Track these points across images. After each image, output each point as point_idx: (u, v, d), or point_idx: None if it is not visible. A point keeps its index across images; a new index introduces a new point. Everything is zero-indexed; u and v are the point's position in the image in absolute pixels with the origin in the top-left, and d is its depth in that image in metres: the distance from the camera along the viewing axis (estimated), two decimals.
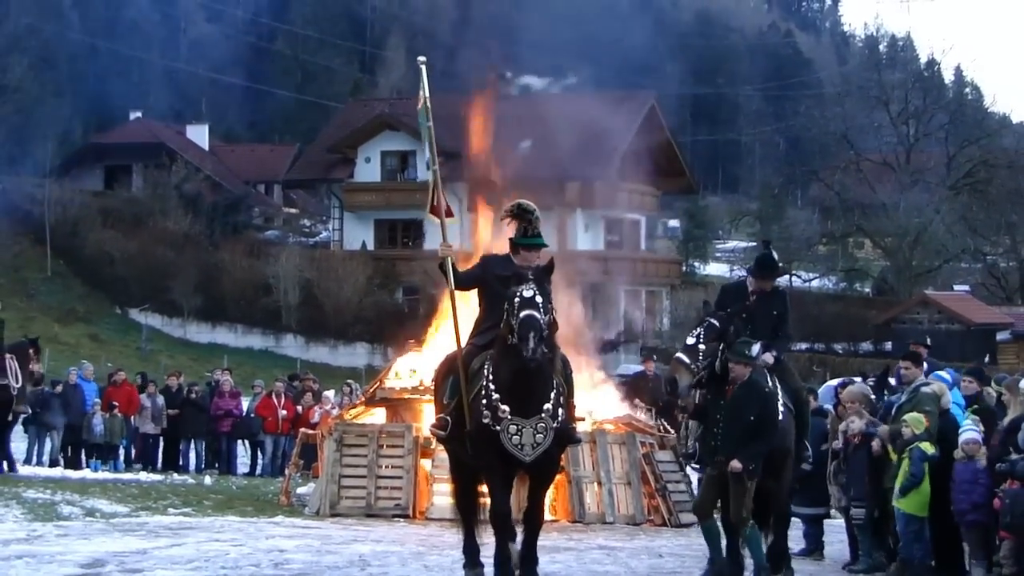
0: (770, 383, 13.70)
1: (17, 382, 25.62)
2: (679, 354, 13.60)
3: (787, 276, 79.47)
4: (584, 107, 63.10)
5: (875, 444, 15.49)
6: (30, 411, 27.46)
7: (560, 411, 12.64)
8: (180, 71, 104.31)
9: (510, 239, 13.32)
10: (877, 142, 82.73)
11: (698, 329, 13.66)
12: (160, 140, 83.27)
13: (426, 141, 13.90)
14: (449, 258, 13.27)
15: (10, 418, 26.35)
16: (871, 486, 15.52)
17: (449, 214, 13.73)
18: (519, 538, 12.88)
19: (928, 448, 14.82)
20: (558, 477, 19.06)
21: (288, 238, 79.29)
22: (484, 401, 12.58)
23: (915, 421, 15.03)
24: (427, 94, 14.02)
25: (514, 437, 12.44)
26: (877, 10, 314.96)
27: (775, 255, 14.71)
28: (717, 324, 13.67)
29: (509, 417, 12.45)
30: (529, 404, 12.47)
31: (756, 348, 13.68)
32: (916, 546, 14.96)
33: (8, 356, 25.71)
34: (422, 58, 14.42)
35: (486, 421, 12.53)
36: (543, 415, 12.48)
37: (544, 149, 56.72)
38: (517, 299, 12.27)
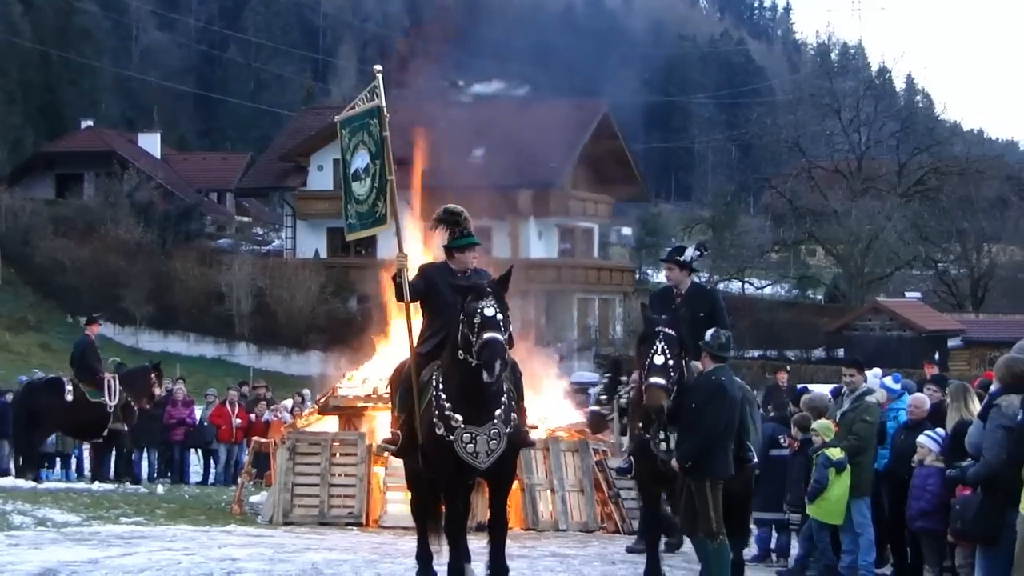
0: (724, 378, 13.22)
1: (113, 400, 26.50)
2: (655, 379, 12.84)
3: (740, 283, 79.96)
4: (537, 115, 63.23)
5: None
6: (127, 429, 27.57)
7: (512, 416, 12.62)
8: (132, 79, 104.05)
9: (444, 245, 13.34)
10: (829, 150, 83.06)
11: (658, 344, 12.98)
12: (112, 148, 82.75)
13: (363, 151, 13.97)
14: (404, 269, 13.26)
15: (105, 434, 26.99)
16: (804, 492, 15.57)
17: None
18: (487, 549, 12.85)
19: (834, 454, 14.89)
20: (513, 484, 19.10)
21: (241, 246, 78.79)
22: (436, 412, 12.53)
23: (824, 428, 15.19)
24: (383, 103, 14.04)
25: (468, 446, 12.41)
26: (829, 18, 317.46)
27: (691, 249, 14.61)
28: (672, 333, 13.10)
29: (463, 426, 12.41)
30: (481, 412, 12.43)
31: (709, 334, 13.37)
32: (833, 552, 15.08)
33: (110, 376, 26.80)
34: (378, 67, 14.37)
35: (440, 432, 12.49)
36: (495, 421, 12.46)
37: (497, 157, 56.85)
38: (478, 318, 12.13)
